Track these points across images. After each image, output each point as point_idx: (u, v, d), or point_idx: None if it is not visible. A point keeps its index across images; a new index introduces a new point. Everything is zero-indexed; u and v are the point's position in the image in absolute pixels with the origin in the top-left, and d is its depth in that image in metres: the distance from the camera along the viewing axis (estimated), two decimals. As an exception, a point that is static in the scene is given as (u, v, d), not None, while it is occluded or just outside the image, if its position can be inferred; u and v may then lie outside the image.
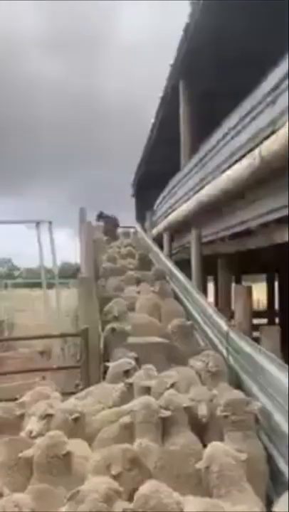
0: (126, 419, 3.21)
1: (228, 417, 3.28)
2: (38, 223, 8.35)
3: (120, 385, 3.98)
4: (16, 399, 4.18)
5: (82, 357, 5.37)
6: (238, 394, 3.64)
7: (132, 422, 3.16)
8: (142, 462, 2.67)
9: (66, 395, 4.87)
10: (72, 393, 4.85)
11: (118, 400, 3.78)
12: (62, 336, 7.69)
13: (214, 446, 2.73)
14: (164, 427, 3.20)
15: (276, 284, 13.94)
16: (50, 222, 8.24)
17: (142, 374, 3.94)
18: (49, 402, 3.54)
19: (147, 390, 3.69)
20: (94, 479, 2.28)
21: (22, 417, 3.45)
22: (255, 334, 6.09)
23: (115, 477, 2.41)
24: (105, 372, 4.96)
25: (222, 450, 2.63)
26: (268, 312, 13.86)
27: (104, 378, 4.91)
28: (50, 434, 2.87)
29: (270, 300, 14.20)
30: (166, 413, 3.17)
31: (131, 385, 3.87)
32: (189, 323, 5.87)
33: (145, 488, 2.13)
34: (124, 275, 8.03)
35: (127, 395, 3.80)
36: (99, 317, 5.99)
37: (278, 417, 3.37)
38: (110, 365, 4.39)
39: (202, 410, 3.48)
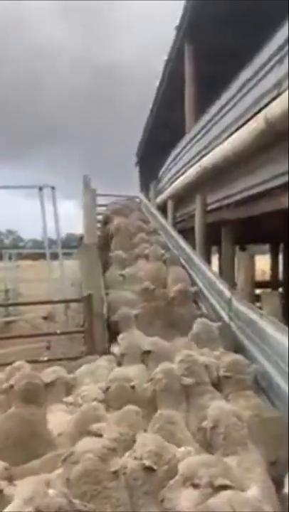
0: (148, 387, 3.20)
1: (232, 378, 3.38)
2: (40, 188, 8.21)
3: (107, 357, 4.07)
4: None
5: (86, 322, 5.41)
6: (236, 356, 3.72)
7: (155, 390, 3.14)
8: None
9: (71, 360, 4.96)
10: (77, 358, 4.93)
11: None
12: (66, 301, 7.72)
13: (219, 406, 2.71)
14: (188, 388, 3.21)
15: (281, 254, 13.85)
16: (53, 188, 8.10)
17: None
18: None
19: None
20: (86, 439, 2.20)
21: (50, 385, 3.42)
22: (258, 305, 6.11)
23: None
24: (110, 338, 5.06)
25: (227, 410, 2.61)
26: (272, 282, 13.82)
27: (109, 344, 5.00)
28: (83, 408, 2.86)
29: (273, 270, 14.14)
30: (189, 380, 3.17)
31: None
32: (192, 288, 5.91)
33: (192, 457, 2.03)
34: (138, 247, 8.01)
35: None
36: (102, 283, 6.02)
37: (280, 380, 3.43)
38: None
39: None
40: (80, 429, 2.61)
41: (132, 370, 3.57)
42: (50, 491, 1.73)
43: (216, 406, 2.70)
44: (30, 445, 2.70)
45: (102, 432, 2.49)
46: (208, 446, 2.51)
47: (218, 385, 3.45)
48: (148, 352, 3.93)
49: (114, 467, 1.94)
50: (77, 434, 2.58)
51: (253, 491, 1.75)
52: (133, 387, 3.19)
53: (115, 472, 1.93)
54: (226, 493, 1.69)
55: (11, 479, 2.20)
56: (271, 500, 2.06)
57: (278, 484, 2.27)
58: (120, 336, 4.39)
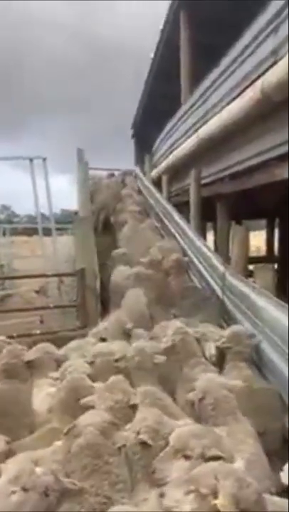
0: (121, 364, 3.19)
1: (231, 348, 3.41)
2: (31, 160, 8.01)
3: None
4: (12, 337, 4.27)
5: (79, 296, 5.39)
6: (238, 327, 3.74)
7: (127, 368, 3.14)
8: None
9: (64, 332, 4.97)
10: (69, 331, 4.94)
11: None
12: (59, 275, 7.68)
13: (207, 378, 2.72)
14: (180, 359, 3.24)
15: (276, 229, 13.79)
16: (44, 159, 7.90)
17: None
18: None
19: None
20: (89, 413, 2.22)
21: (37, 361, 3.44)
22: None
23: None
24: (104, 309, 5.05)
25: (216, 382, 2.62)
26: (267, 257, 13.81)
27: (102, 318, 5.00)
28: (69, 378, 2.87)
29: (269, 245, 14.11)
30: (161, 358, 3.15)
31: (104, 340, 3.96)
32: (186, 258, 5.89)
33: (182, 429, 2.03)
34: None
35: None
36: (96, 258, 5.96)
37: (273, 354, 3.42)
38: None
39: (210, 349, 3.52)
40: (68, 400, 2.61)
41: (116, 346, 3.57)
42: (38, 469, 1.71)
43: (205, 378, 2.72)
44: (20, 418, 2.73)
45: (94, 404, 2.48)
46: (196, 419, 2.51)
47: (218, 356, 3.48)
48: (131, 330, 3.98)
49: (119, 443, 1.95)
50: (66, 404, 2.58)
51: (239, 463, 1.75)
52: (117, 360, 3.21)
53: (119, 448, 1.94)
54: (210, 464, 1.67)
55: (10, 454, 2.21)
56: (261, 472, 2.07)
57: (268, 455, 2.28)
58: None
